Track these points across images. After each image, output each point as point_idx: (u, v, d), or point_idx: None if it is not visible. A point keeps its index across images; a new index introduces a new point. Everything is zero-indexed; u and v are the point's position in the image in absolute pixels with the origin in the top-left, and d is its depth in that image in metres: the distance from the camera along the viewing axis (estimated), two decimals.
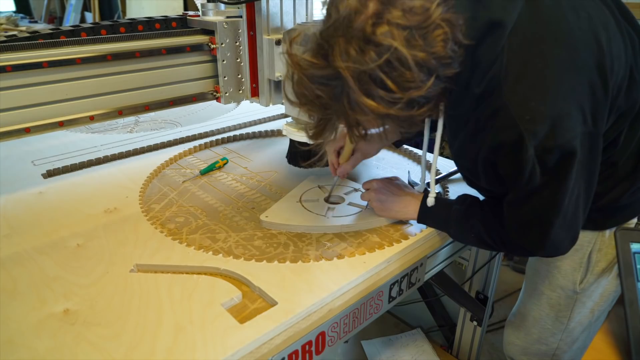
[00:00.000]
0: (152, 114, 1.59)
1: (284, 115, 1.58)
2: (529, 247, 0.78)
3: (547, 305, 0.99)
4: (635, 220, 0.89)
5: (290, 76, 0.67)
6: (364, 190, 1.08)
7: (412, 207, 0.93)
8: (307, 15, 1.11)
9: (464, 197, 0.89)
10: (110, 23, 1.01)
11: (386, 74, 0.59)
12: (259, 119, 1.55)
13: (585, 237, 0.90)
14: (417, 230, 0.94)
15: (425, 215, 0.92)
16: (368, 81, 0.60)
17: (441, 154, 1.32)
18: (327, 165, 1.16)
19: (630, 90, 0.73)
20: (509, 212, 0.78)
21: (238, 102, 1.19)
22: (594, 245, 0.90)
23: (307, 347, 0.74)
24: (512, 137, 0.66)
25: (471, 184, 0.92)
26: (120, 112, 1.03)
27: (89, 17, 4.64)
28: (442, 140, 0.89)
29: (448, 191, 1.10)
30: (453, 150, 0.85)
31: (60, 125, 0.95)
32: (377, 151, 1.08)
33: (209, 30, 1.07)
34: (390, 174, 1.20)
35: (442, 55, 0.62)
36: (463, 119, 0.76)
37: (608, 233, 0.89)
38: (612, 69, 0.68)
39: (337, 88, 0.63)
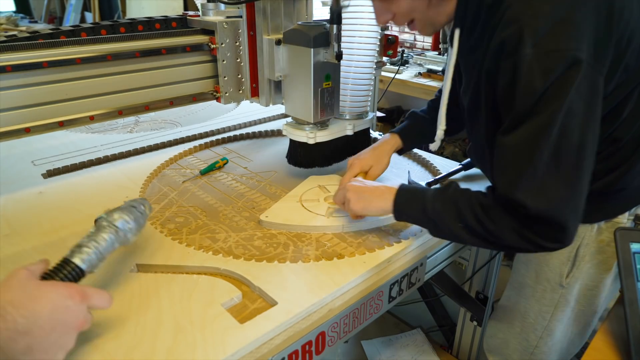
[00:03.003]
0: (152, 114, 1.59)
1: (284, 115, 1.58)
2: (522, 198, 0.68)
3: (532, 298, 1.00)
4: (624, 216, 0.89)
5: None
6: None
7: (389, 196, 0.85)
8: (307, 15, 1.11)
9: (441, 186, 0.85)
10: (110, 23, 1.01)
11: None
12: (259, 119, 1.55)
13: None
14: (417, 230, 0.94)
15: (401, 202, 0.84)
16: None
17: (441, 154, 1.32)
18: (327, 165, 1.16)
19: None
20: (499, 148, 0.72)
21: (238, 102, 1.19)
22: (583, 240, 0.91)
23: (307, 347, 0.74)
24: (513, 33, 0.67)
25: (475, 151, 0.92)
26: (120, 112, 1.03)
27: (89, 17, 4.64)
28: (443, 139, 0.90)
29: None
30: (462, 90, 0.86)
31: (60, 125, 0.95)
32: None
33: (209, 30, 1.07)
34: (391, 174, 1.20)
35: None
36: (476, 53, 0.77)
37: (596, 227, 0.89)
38: (622, 14, 0.68)
39: None
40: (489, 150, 0.83)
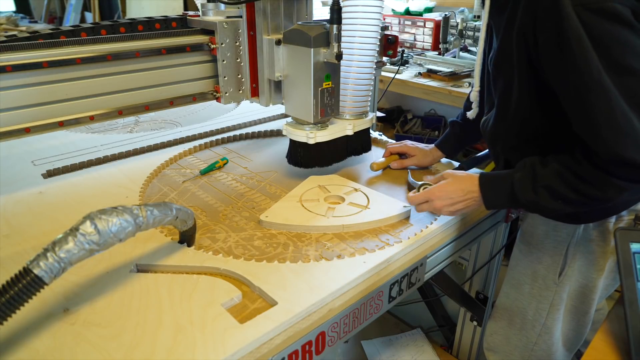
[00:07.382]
0: (152, 114, 1.59)
1: (284, 115, 1.58)
2: (631, 156, 0.69)
3: (530, 296, 1.01)
4: (612, 220, 0.89)
5: None
6: (364, 191, 1.08)
7: (474, 187, 0.88)
8: (307, 15, 1.11)
9: (522, 162, 0.84)
10: (110, 23, 1.01)
11: None
12: (259, 119, 1.55)
13: (564, 229, 0.92)
14: (417, 230, 0.94)
15: (489, 197, 0.87)
16: None
17: None
18: (327, 165, 1.16)
19: None
20: (583, 112, 0.72)
21: (238, 102, 1.19)
22: (572, 239, 0.92)
23: (307, 347, 0.74)
24: None
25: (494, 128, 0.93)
26: (120, 112, 1.03)
27: (89, 17, 4.64)
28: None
29: None
30: (491, 55, 0.87)
31: (60, 125, 0.95)
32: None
33: (209, 30, 1.07)
34: (390, 173, 1.20)
35: None
36: (506, 12, 0.80)
37: (582, 228, 0.90)
38: None
39: None
40: (536, 112, 0.83)
